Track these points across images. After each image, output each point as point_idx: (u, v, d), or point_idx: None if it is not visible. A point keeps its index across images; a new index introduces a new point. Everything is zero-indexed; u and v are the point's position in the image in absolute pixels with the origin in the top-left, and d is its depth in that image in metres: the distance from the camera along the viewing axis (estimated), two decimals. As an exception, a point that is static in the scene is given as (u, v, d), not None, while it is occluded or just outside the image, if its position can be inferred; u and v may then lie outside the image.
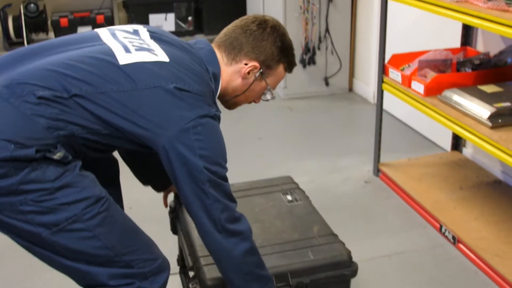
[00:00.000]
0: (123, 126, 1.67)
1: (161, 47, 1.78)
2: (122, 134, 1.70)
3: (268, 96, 2.00)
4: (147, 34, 1.84)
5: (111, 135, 1.69)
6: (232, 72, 1.90)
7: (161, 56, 1.74)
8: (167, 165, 1.71)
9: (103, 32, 1.82)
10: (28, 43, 5.88)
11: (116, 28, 1.86)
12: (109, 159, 2.14)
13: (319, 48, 5.06)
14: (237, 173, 3.72)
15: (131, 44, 1.75)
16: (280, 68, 1.95)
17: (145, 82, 1.66)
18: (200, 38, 4.40)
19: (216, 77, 1.87)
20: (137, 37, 1.81)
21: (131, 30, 1.86)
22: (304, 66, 5.09)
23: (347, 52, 5.15)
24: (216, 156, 1.74)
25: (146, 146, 1.73)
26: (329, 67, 5.15)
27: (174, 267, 2.70)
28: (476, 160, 3.67)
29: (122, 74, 1.66)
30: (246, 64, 1.89)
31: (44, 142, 1.59)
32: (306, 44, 5.01)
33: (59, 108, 1.61)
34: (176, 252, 2.68)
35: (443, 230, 3.04)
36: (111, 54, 1.70)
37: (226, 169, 1.78)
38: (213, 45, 1.94)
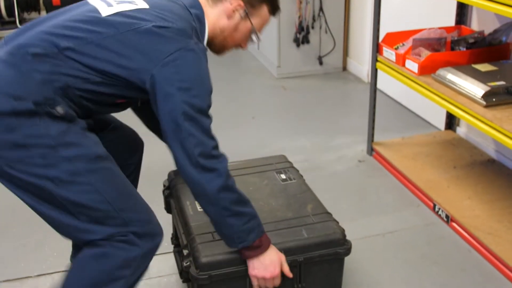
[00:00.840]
0: (110, 70, 1.75)
1: None
2: (113, 80, 1.78)
3: (254, 39, 2.06)
4: None
5: (104, 82, 1.78)
6: (218, 12, 1.98)
7: (141, 4, 1.86)
8: (153, 102, 1.79)
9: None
10: (20, 22, 5.83)
11: None
12: (133, 142, 2.28)
13: (313, 27, 5.04)
14: (231, 152, 3.70)
15: (114, 0, 1.87)
16: (264, 9, 2.03)
17: (125, 26, 1.77)
18: None
19: (199, 18, 1.94)
20: None
21: None
22: (298, 45, 5.07)
23: (341, 31, 5.13)
24: (197, 89, 1.78)
25: (140, 90, 1.80)
26: (323, 46, 5.13)
27: (168, 246, 2.72)
28: (470, 139, 3.68)
29: (105, 24, 1.78)
30: (231, 3, 1.98)
31: (42, 96, 1.70)
32: (300, 23, 4.99)
33: (51, 62, 1.72)
34: (170, 231, 2.69)
35: (436, 209, 3.05)
36: (95, 10, 1.83)
37: (207, 103, 1.82)
38: None
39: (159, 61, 1.73)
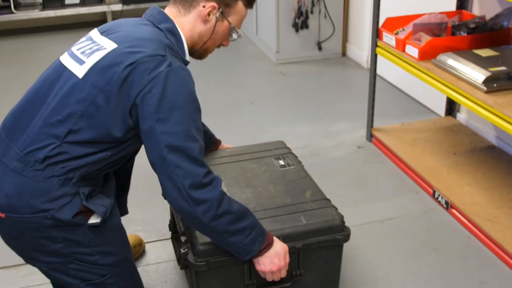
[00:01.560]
0: (110, 131, 1.75)
1: (110, 38, 1.83)
2: (117, 139, 1.77)
3: (235, 36, 2.01)
4: (98, 33, 1.90)
5: (110, 147, 1.79)
6: (192, 19, 1.92)
7: (110, 46, 1.79)
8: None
9: (64, 58, 1.88)
10: (15, 7, 5.79)
11: (75, 44, 1.92)
12: None
13: (312, 12, 5.01)
14: (229, 138, 3.71)
15: (83, 54, 1.82)
16: (239, 5, 1.96)
17: (103, 81, 1.73)
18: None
19: (172, 32, 1.88)
20: (89, 42, 1.87)
21: (85, 39, 1.92)
22: (297, 30, 5.04)
23: (341, 16, 5.10)
24: (177, 115, 1.71)
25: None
26: (322, 31, 5.10)
27: (166, 232, 2.72)
28: (470, 126, 3.67)
29: (86, 87, 1.75)
30: (204, 7, 1.90)
31: (67, 196, 1.77)
32: (299, 8, 4.96)
33: (60, 158, 1.75)
34: (168, 218, 2.69)
35: (436, 196, 3.05)
36: (73, 75, 1.79)
37: (193, 125, 1.75)
38: (169, 4, 1.96)
39: (139, 96, 1.71)
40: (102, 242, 1.85)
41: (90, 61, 1.78)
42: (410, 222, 2.91)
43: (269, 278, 1.96)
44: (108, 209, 1.84)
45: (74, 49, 1.89)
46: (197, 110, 1.80)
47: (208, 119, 4.14)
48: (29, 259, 1.88)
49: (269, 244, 1.93)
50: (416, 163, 3.28)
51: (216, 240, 1.89)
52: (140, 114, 1.71)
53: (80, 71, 1.78)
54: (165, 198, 1.97)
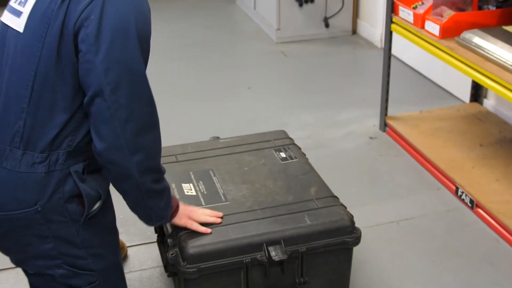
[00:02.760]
0: (71, 83, 1.69)
1: None
2: (80, 91, 1.71)
3: None
4: None
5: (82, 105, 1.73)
6: None
7: None
8: None
9: (4, 16, 1.84)
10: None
11: None
12: None
13: (318, -17, 5.02)
14: (223, 128, 3.71)
15: (20, 4, 1.78)
16: None
17: (43, 26, 1.68)
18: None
19: None
20: None
21: None
22: (301, 5, 5.04)
23: (351, -13, 5.11)
24: (119, 44, 1.67)
25: None
26: (329, 6, 5.10)
27: (152, 235, 2.72)
28: (499, 113, 3.68)
29: (29, 40, 1.71)
30: None
31: (57, 182, 1.75)
32: (303, -22, 4.96)
33: (34, 136, 1.72)
34: (152, 218, 2.69)
35: (459, 193, 3.05)
36: (14, 32, 1.76)
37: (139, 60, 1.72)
38: None
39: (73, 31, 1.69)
40: (96, 243, 1.85)
41: (26, 9, 1.74)
42: (429, 223, 2.92)
43: (196, 228, 2.08)
44: (101, 195, 1.81)
45: (11, 2, 1.85)
46: (146, 52, 1.74)
47: (199, 106, 4.17)
48: (17, 261, 1.88)
49: (177, 208, 2.01)
50: (437, 156, 3.29)
51: (132, 202, 1.87)
52: (79, 47, 1.65)
53: (19, 24, 1.74)
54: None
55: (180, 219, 2.04)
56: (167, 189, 1.89)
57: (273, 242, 2.06)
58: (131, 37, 1.66)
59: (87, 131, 1.78)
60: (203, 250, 1.99)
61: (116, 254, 1.95)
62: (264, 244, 2.05)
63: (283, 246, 2.05)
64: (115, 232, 1.96)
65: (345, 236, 2.13)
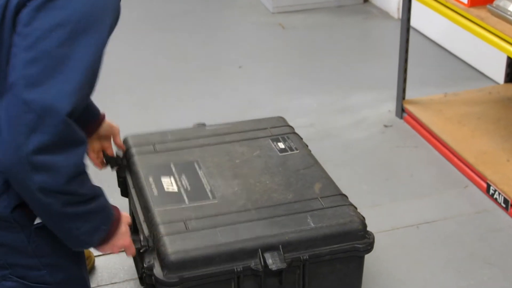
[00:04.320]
0: None
1: None
2: None
3: None
4: None
5: None
6: None
7: None
8: None
9: None
10: None
11: None
12: None
13: None
14: (209, 113, 3.71)
15: None
16: None
17: None
18: None
19: None
20: None
21: None
22: (302, -33, 5.04)
23: None
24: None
25: None
26: (336, -32, 5.11)
27: (123, 241, 2.73)
28: (537, 96, 3.70)
29: None
30: None
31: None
32: None
33: None
34: (125, 221, 2.70)
35: (491, 191, 3.07)
36: None
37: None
38: None
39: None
40: (52, 252, 1.85)
41: None
42: (455, 227, 2.94)
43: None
44: None
45: None
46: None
47: (181, 88, 4.16)
48: None
49: (114, 231, 1.92)
50: (464, 147, 3.30)
51: (45, 221, 1.83)
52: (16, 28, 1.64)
53: None
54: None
55: (112, 247, 1.97)
56: (93, 212, 1.83)
57: (270, 248, 2.07)
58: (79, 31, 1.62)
59: None
60: (187, 257, 2.00)
61: (78, 264, 1.96)
62: (259, 250, 2.06)
63: (282, 252, 2.07)
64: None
65: (355, 242, 2.14)
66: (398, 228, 2.93)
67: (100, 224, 1.86)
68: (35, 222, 1.79)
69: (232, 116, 3.14)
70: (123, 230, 1.95)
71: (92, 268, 2.70)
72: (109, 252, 1.96)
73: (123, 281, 2.66)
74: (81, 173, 1.74)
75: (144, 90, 4.10)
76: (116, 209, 1.94)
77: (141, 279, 2.25)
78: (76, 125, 1.67)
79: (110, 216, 1.89)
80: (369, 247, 2.16)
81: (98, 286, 2.63)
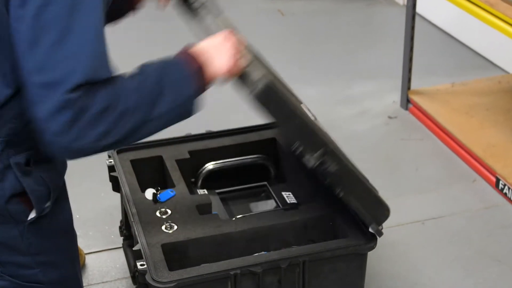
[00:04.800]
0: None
1: None
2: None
3: None
4: None
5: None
6: None
7: None
8: None
9: None
10: None
11: None
12: None
13: None
14: (206, 104, 3.71)
15: None
16: None
17: None
18: None
19: None
20: None
21: None
22: (302, -50, 5.04)
23: None
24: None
25: None
26: (338, -49, 5.11)
27: (116, 239, 2.74)
28: (549, 86, 3.70)
29: None
30: None
31: None
32: None
33: None
34: (118, 217, 2.71)
35: (500, 186, 3.08)
36: None
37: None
38: None
39: None
40: (46, 249, 1.86)
41: None
42: (462, 223, 2.95)
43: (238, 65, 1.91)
44: (51, 191, 1.83)
45: None
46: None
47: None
48: None
49: (200, 68, 1.82)
50: (472, 139, 3.30)
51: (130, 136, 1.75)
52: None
53: None
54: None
55: (221, 69, 1.84)
56: (161, 88, 1.73)
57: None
58: None
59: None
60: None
61: (73, 262, 1.97)
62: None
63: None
64: (72, 235, 1.98)
65: (358, 239, 2.17)
66: (402, 224, 2.94)
67: (179, 86, 1.78)
68: (29, 218, 1.79)
69: (229, 108, 3.14)
70: (214, 45, 1.86)
71: (83, 266, 2.72)
72: (235, 71, 1.87)
73: (115, 280, 2.68)
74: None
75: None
76: (186, 52, 1.83)
77: (134, 278, 2.26)
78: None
79: (175, 65, 1.80)
80: (372, 244, 2.17)
81: (89, 285, 2.65)
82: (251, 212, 2.46)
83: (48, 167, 1.83)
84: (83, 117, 1.59)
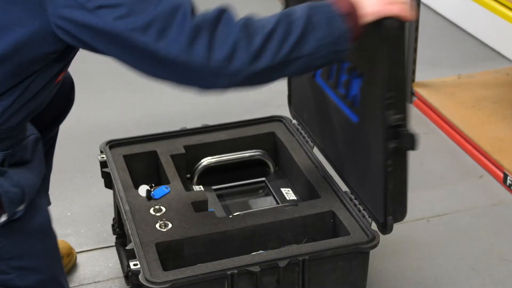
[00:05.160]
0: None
1: None
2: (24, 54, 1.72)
3: None
4: None
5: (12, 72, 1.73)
6: None
7: None
8: (90, 48, 1.74)
9: None
10: None
11: None
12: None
13: None
14: (200, 103, 3.72)
15: None
16: None
17: None
18: None
19: None
20: None
21: None
22: None
23: None
24: None
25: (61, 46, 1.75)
26: None
27: (109, 237, 2.74)
28: (559, 78, 3.70)
29: None
30: None
31: None
32: None
33: None
34: (110, 215, 2.71)
35: (508, 182, 3.08)
36: None
37: None
38: None
39: None
40: (20, 253, 1.86)
41: None
42: (469, 221, 2.95)
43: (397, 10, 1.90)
44: (26, 194, 1.83)
45: None
46: None
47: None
48: None
49: (352, 7, 1.81)
50: (479, 133, 3.30)
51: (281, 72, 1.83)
52: (63, 10, 1.66)
53: None
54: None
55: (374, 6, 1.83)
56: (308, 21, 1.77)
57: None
58: None
59: (16, 110, 1.79)
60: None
61: (52, 266, 1.97)
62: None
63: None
64: (50, 238, 1.97)
65: (360, 237, 2.17)
66: (406, 221, 2.89)
67: (329, 17, 1.79)
68: (2, 220, 1.79)
69: (226, 99, 3.14)
70: None
71: (74, 266, 2.71)
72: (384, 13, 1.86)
73: (108, 280, 2.67)
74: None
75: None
76: None
77: (127, 278, 2.26)
78: None
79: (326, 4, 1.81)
80: (375, 242, 2.17)
81: (81, 285, 2.65)
82: (249, 209, 2.46)
83: (24, 169, 1.83)
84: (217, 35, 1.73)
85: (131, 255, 2.10)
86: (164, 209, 2.27)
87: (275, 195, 2.53)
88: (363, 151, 2.20)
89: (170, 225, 2.20)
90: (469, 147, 3.32)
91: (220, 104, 3.50)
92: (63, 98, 2.30)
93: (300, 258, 2.10)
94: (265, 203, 2.55)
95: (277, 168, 2.67)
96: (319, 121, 2.51)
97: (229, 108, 3.47)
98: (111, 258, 2.73)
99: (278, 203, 2.49)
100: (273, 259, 2.08)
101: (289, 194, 2.50)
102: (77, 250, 2.77)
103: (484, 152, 3.22)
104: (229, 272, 2.04)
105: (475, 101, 3.55)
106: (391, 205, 2.11)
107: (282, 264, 2.07)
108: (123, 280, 2.58)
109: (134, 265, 2.05)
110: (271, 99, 3.45)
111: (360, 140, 2.21)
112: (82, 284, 2.65)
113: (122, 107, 3.66)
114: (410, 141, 2.03)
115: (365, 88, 2.12)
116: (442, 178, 3.20)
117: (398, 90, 1.96)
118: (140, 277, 2.01)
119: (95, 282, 2.66)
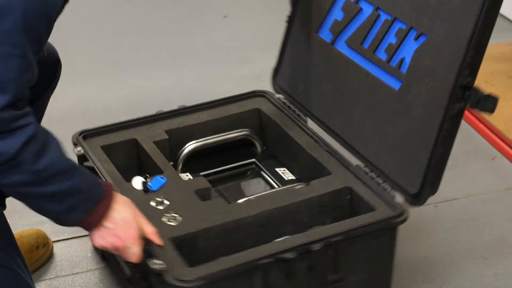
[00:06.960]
0: None
1: None
2: None
3: None
4: None
5: None
6: None
7: None
8: None
9: None
10: None
11: None
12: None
13: None
14: (190, 73, 3.69)
15: None
16: None
17: None
18: None
19: None
20: None
21: None
22: None
23: None
24: None
25: None
26: None
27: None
28: None
29: None
30: None
31: None
32: None
33: None
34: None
35: (523, 164, 3.11)
36: None
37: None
38: None
39: None
40: None
41: None
42: (480, 206, 2.98)
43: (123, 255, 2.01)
44: None
45: None
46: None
47: (159, 42, 4.13)
48: None
49: (104, 212, 1.95)
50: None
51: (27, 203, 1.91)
52: None
53: None
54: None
55: (101, 239, 2.00)
56: (67, 191, 1.88)
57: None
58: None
59: None
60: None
61: (9, 265, 2.00)
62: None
63: None
64: (3, 238, 2.02)
65: (386, 212, 2.24)
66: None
67: (78, 204, 1.90)
68: None
69: (215, 77, 3.15)
70: (125, 216, 1.99)
71: (50, 257, 2.75)
72: (108, 246, 1.97)
73: (87, 271, 2.70)
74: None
75: (113, 44, 4.11)
76: (108, 193, 1.97)
77: (129, 280, 2.28)
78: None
79: (93, 197, 1.93)
80: (403, 217, 2.24)
81: (58, 277, 2.67)
82: (246, 193, 2.49)
83: None
84: None
85: (148, 254, 2.06)
86: (166, 201, 2.28)
87: (272, 176, 2.55)
88: (401, 118, 2.26)
89: (179, 218, 2.20)
90: (481, 126, 3.35)
91: (195, 81, 3.52)
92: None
93: (334, 239, 2.13)
94: (260, 185, 2.57)
95: (264, 147, 2.69)
96: (325, 92, 2.53)
97: (208, 84, 3.48)
98: (90, 247, 2.76)
99: (278, 185, 2.51)
100: (304, 243, 2.11)
101: (286, 173, 2.53)
102: (53, 239, 2.79)
103: (497, 132, 3.26)
104: (261, 262, 2.06)
105: (488, 76, 3.57)
106: (431, 174, 2.19)
107: (315, 247, 2.10)
108: (102, 272, 2.61)
109: (157, 264, 2.03)
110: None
111: (399, 107, 2.27)
112: (59, 276, 2.68)
113: (100, 86, 3.68)
114: (491, 102, 2.16)
115: (424, 49, 2.19)
116: (451, 160, 3.16)
117: (479, 51, 2.09)
118: (168, 277, 1.99)
119: (73, 274, 2.69)
